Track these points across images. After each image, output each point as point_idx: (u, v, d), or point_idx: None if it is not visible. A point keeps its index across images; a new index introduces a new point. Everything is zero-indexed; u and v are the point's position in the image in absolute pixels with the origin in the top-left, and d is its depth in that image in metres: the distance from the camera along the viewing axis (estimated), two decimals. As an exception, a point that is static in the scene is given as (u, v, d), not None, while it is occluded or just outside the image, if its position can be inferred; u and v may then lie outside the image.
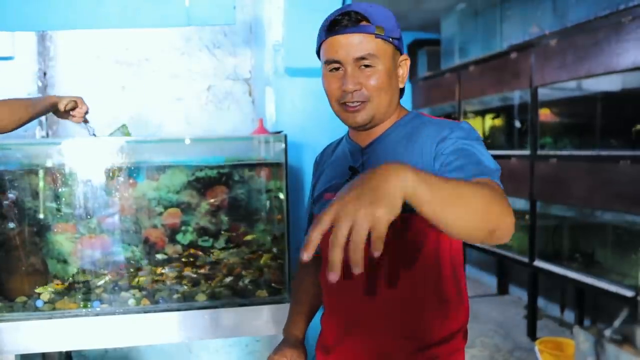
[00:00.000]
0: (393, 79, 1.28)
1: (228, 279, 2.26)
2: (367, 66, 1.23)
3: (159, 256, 2.25)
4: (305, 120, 2.50)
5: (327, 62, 1.26)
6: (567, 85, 4.07)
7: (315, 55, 1.33)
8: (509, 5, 4.93)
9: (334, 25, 1.23)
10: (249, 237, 2.31)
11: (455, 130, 1.20)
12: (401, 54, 1.30)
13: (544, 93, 4.26)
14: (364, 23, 1.22)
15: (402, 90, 1.35)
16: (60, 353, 2.75)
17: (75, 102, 1.97)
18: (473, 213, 0.91)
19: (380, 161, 1.26)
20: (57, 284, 2.17)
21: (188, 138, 2.29)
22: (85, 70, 2.90)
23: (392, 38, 1.24)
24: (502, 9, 5.02)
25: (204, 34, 2.99)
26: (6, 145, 2.22)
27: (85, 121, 2.07)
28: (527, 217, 4.42)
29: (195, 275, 2.25)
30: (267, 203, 2.32)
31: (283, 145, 2.25)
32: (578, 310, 4.18)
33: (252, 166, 2.34)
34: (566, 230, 4.32)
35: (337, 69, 1.25)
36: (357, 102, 1.25)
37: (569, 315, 4.57)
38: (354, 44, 1.22)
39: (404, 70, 1.30)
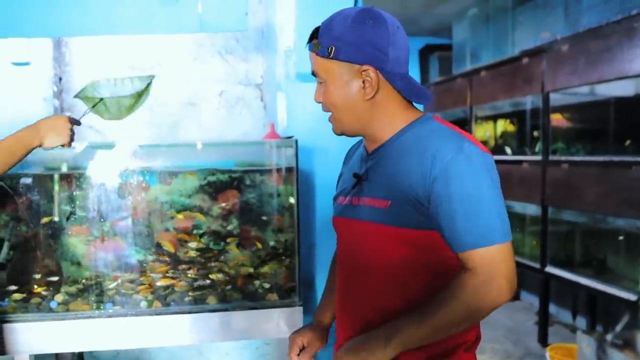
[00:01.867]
0: (351, 95, 1.25)
1: (239, 282, 2.28)
2: (321, 82, 1.28)
3: (171, 259, 2.27)
4: (316, 125, 2.50)
5: None
6: (579, 90, 4.06)
7: None
8: (521, 11, 4.92)
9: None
10: (259, 241, 2.33)
11: (454, 161, 1.14)
12: (361, 63, 1.22)
13: (555, 98, 4.24)
14: (313, 41, 1.27)
15: (411, 95, 1.27)
16: (73, 354, 2.78)
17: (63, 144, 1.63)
18: (458, 325, 1.16)
19: (380, 170, 1.26)
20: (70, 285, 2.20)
21: (200, 143, 2.32)
22: (99, 76, 2.93)
23: (329, 55, 1.22)
24: (513, 15, 5.01)
25: (217, 40, 3.02)
26: (22, 149, 2.26)
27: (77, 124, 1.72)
28: (539, 222, 4.40)
29: (206, 278, 2.27)
30: (278, 207, 2.34)
31: (294, 150, 2.27)
32: (590, 316, 4.15)
33: (263, 171, 2.36)
34: (578, 236, 4.30)
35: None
36: (329, 113, 1.30)
37: (581, 322, 4.53)
38: (310, 60, 1.29)
39: (369, 81, 1.22)
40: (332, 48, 1.22)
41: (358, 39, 1.21)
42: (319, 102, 1.31)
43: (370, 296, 1.27)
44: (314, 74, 1.30)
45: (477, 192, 1.14)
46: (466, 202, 1.14)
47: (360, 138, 1.46)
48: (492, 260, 1.13)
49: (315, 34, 1.27)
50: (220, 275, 2.28)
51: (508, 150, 5.21)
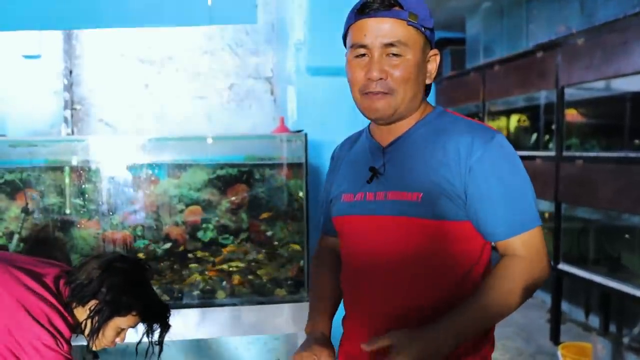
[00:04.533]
0: (421, 73, 1.20)
1: (248, 277, 2.27)
2: (395, 55, 1.16)
3: (180, 252, 2.26)
4: (326, 119, 2.49)
5: (354, 47, 1.19)
6: (595, 85, 4.00)
7: (337, 55, 1.30)
8: (535, 4, 4.86)
9: (364, 8, 1.17)
10: (268, 235, 2.31)
11: (489, 151, 1.15)
12: (432, 47, 1.22)
13: (570, 93, 4.18)
14: (396, 8, 1.15)
15: (428, 88, 1.27)
16: (81, 347, 2.79)
17: None
18: (511, 309, 1.16)
19: (403, 163, 1.22)
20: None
21: (209, 136, 2.31)
22: (109, 69, 2.94)
23: (425, 28, 1.18)
24: (528, 8, 4.95)
25: (227, 33, 3.01)
26: (32, 142, 2.27)
27: None
28: (552, 219, 4.34)
29: (215, 273, 2.26)
30: (287, 201, 2.33)
31: (303, 144, 2.25)
32: (603, 315, 4.10)
33: (273, 164, 2.35)
34: (592, 234, 4.24)
35: (363, 55, 1.18)
36: (380, 92, 1.17)
37: (594, 320, 4.48)
38: (383, 28, 1.15)
39: (432, 65, 1.23)
40: (429, 23, 1.19)
41: (432, 24, 1.22)
42: (380, 77, 1.16)
43: (401, 291, 1.21)
44: (389, 44, 1.16)
45: (514, 179, 1.17)
46: (506, 190, 1.16)
47: (354, 133, 1.43)
48: (536, 243, 1.17)
49: (387, 2, 1.15)
50: (229, 270, 2.27)
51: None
